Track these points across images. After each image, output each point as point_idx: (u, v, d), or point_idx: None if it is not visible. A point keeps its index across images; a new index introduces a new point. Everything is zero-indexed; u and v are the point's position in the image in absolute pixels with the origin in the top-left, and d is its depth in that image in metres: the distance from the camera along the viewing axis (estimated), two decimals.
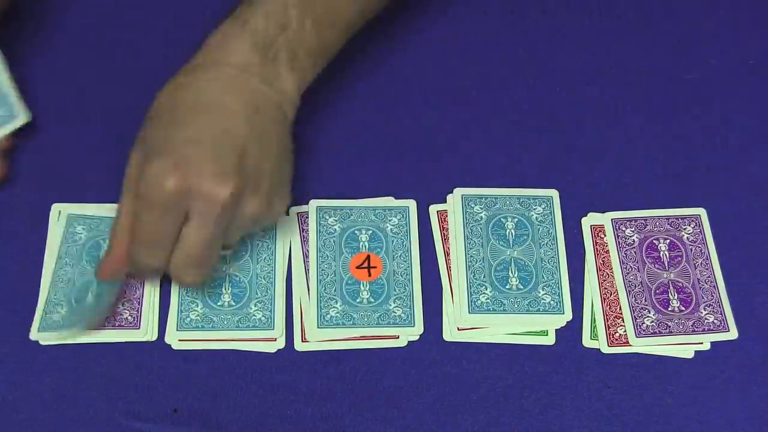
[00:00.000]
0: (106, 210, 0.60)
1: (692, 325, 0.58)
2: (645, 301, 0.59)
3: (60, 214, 0.60)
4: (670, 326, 0.58)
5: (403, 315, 0.58)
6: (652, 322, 0.58)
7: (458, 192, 0.62)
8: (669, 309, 0.58)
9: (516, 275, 0.59)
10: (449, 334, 0.58)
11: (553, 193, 0.62)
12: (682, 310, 0.58)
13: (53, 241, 0.59)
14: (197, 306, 0.58)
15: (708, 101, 0.67)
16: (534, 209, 0.62)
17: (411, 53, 0.68)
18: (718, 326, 0.58)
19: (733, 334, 0.58)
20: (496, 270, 0.60)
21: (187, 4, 0.69)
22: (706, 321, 0.58)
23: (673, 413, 0.56)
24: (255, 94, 0.53)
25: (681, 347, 0.58)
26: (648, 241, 0.61)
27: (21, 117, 0.61)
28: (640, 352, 0.58)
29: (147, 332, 0.57)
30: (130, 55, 0.67)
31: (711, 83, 0.67)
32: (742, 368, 0.58)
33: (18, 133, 0.61)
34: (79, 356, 0.56)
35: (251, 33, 0.54)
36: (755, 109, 0.67)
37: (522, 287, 0.59)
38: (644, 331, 0.58)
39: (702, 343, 0.58)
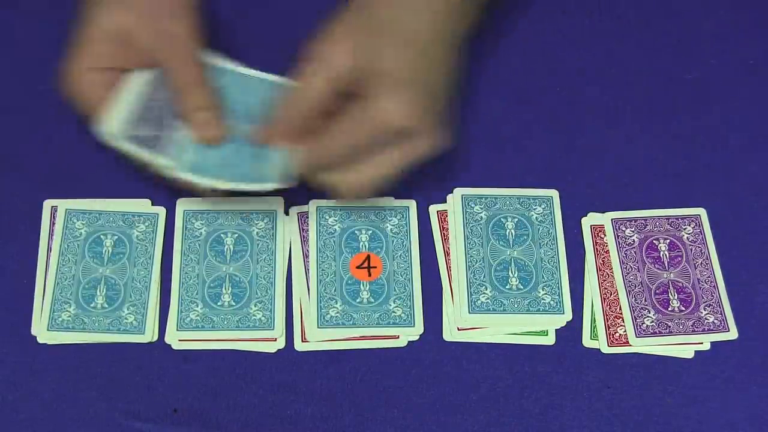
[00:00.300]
0: (104, 204, 0.60)
1: (692, 325, 0.58)
2: (645, 301, 0.59)
3: (54, 209, 0.60)
4: (670, 326, 0.58)
5: (403, 315, 0.58)
6: (652, 322, 0.58)
7: (458, 192, 0.62)
8: (669, 309, 0.58)
9: (516, 275, 0.59)
10: (449, 334, 0.58)
11: (553, 193, 0.62)
12: (682, 310, 0.59)
13: (47, 237, 0.59)
14: (197, 306, 0.58)
15: (708, 101, 0.67)
16: (534, 209, 0.62)
17: None
18: (718, 326, 0.58)
19: (733, 334, 0.58)
20: (496, 270, 0.60)
21: None
22: (706, 321, 0.58)
23: (673, 413, 0.56)
24: (456, 35, 0.56)
25: (681, 347, 0.58)
26: (648, 241, 0.61)
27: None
28: (640, 352, 0.58)
29: (147, 333, 0.57)
30: None
31: (711, 83, 0.67)
32: (742, 368, 0.58)
33: None
34: (79, 356, 0.57)
35: None
36: (755, 109, 0.66)
37: (522, 287, 0.59)
38: (644, 331, 0.58)
39: (702, 343, 0.58)
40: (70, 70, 0.54)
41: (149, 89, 0.55)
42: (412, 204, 0.62)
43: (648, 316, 0.58)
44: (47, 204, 0.60)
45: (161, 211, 0.61)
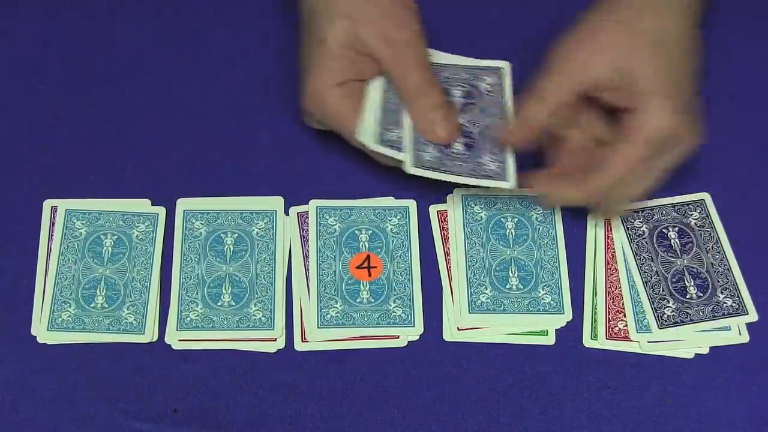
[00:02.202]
0: (104, 204, 0.60)
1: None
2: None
3: (54, 209, 0.60)
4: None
5: (403, 315, 0.58)
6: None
7: (458, 192, 0.62)
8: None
9: (516, 275, 0.59)
10: (449, 334, 0.58)
11: None
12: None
13: (47, 237, 0.59)
14: (197, 306, 0.58)
15: (708, 101, 0.66)
16: (534, 209, 0.62)
17: None
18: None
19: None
20: (496, 270, 0.60)
21: (183, 4, 0.69)
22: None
23: (673, 413, 0.56)
24: (698, 21, 0.57)
25: (681, 348, 0.58)
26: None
27: (505, 69, 0.60)
28: (639, 350, 0.58)
29: (147, 333, 0.57)
30: (125, 49, 0.67)
31: (711, 83, 0.67)
32: (743, 368, 0.58)
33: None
34: (79, 356, 0.57)
35: None
36: (755, 109, 0.67)
37: (522, 287, 0.59)
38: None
39: (701, 347, 0.58)
40: (314, 88, 0.55)
41: (386, 94, 0.56)
42: (412, 204, 0.62)
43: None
44: (47, 204, 0.60)
45: (161, 210, 0.60)
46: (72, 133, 0.63)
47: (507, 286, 0.59)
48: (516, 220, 0.61)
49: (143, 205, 0.61)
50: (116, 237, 0.59)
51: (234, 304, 0.58)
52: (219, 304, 0.58)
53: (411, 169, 0.55)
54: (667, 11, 0.55)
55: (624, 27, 0.54)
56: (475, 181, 0.55)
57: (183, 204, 0.61)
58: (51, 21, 0.68)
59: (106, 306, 0.57)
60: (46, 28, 0.67)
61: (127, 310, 0.57)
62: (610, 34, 0.54)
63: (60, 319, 0.57)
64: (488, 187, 0.57)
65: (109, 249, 0.59)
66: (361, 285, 0.59)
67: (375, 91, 0.56)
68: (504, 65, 0.60)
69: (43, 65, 0.66)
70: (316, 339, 0.57)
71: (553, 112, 0.54)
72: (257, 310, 0.58)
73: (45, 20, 0.68)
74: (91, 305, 0.57)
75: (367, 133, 0.55)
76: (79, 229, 0.60)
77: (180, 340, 0.57)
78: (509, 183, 0.55)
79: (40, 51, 0.66)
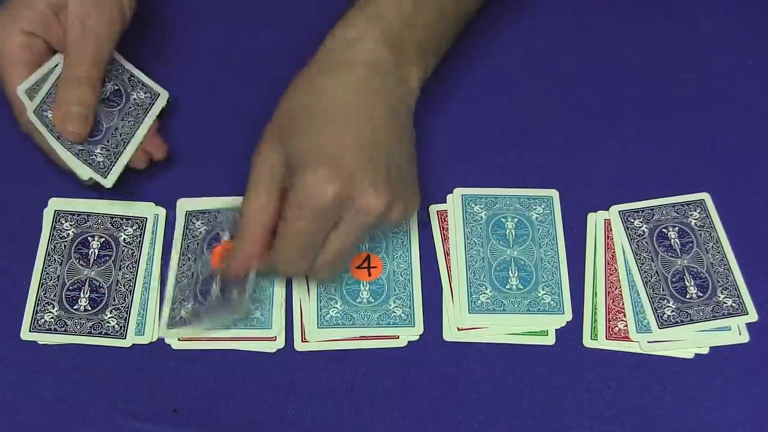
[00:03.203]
0: (92, 205, 0.60)
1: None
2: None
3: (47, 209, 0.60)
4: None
5: (403, 315, 0.58)
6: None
7: (458, 192, 0.62)
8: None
9: (516, 275, 0.59)
10: (449, 334, 0.58)
11: (553, 193, 0.62)
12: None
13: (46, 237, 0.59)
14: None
15: (708, 101, 0.67)
16: (534, 209, 0.62)
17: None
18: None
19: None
20: (496, 270, 0.60)
21: (182, 4, 0.69)
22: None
23: (673, 413, 0.56)
24: (391, 94, 0.54)
25: (681, 348, 0.58)
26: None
27: (162, 96, 0.61)
28: (640, 350, 0.58)
29: (147, 334, 0.57)
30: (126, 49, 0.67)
31: (711, 83, 0.67)
32: (743, 369, 0.58)
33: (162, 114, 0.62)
34: (79, 356, 0.56)
35: (383, 29, 0.54)
36: (755, 109, 0.67)
37: (522, 287, 0.59)
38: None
39: (702, 347, 0.58)
40: (1, 27, 0.55)
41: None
42: None
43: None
44: (50, 204, 0.60)
45: (160, 211, 0.60)
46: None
47: (507, 286, 0.59)
48: (516, 220, 0.61)
49: (147, 206, 0.61)
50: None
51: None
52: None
53: (21, 94, 0.55)
54: (338, 84, 0.53)
55: (288, 108, 0.53)
56: (75, 162, 0.56)
57: (184, 204, 0.61)
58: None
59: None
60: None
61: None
62: (277, 120, 0.53)
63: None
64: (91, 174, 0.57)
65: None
66: (361, 285, 0.59)
67: (56, 60, 0.57)
68: (163, 93, 0.61)
69: None
70: (316, 339, 0.57)
71: (269, 226, 0.52)
72: (255, 308, 0.58)
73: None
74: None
75: (23, 90, 0.56)
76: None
77: (180, 340, 0.57)
78: (106, 182, 0.57)
79: None
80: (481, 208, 0.62)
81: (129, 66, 0.61)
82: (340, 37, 0.55)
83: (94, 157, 0.56)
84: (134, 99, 0.60)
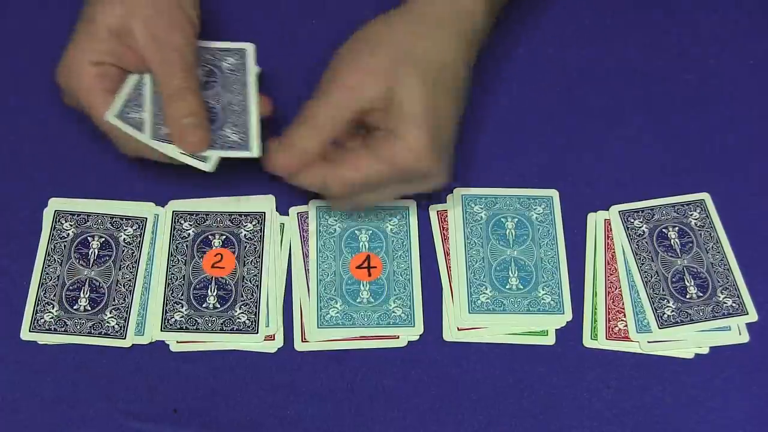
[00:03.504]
0: (92, 205, 0.60)
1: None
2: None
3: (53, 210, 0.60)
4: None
5: (403, 315, 0.58)
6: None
7: (458, 192, 0.62)
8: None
9: (516, 275, 0.59)
10: (449, 334, 0.58)
11: (553, 193, 0.62)
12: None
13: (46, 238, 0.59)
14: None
15: (708, 101, 0.67)
16: (534, 209, 0.62)
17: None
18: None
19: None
20: (496, 270, 0.60)
21: None
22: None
23: (673, 413, 0.56)
24: (472, 61, 0.56)
25: (681, 348, 0.58)
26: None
27: (249, 49, 0.60)
28: (641, 350, 0.58)
29: (147, 334, 0.57)
30: None
31: (711, 83, 0.67)
32: (743, 369, 0.58)
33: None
34: (79, 356, 0.56)
35: None
36: (755, 109, 0.67)
37: (522, 287, 0.59)
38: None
39: (702, 347, 0.58)
40: (68, 62, 0.55)
41: (141, 83, 0.56)
42: (412, 204, 0.62)
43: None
44: (50, 204, 0.60)
45: (160, 211, 0.60)
46: (73, 134, 0.63)
47: (507, 286, 0.59)
48: (516, 220, 0.61)
49: (147, 206, 0.61)
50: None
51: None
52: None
53: (151, 142, 0.54)
54: (446, 44, 0.54)
55: (392, 49, 0.53)
56: (219, 152, 0.55)
57: (173, 205, 0.61)
58: (51, 21, 0.68)
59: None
60: (46, 27, 0.67)
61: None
62: (379, 56, 0.53)
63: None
64: (239, 158, 0.56)
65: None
66: (361, 285, 0.59)
67: (131, 80, 0.56)
68: (247, 46, 0.60)
69: (43, 65, 0.66)
70: (316, 339, 0.57)
71: (324, 142, 0.53)
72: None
73: (45, 20, 0.68)
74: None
75: (111, 110, 0.55)
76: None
77: (178, 342, 0.57)
78: (253, 152, 0.55)
79: (40, 51, 0.66)
80: (481, 208, 0.62)
81: (206, 43, 0.59)
82: None
83: (227, 138, 0.55)
84: (226, 67, 0.58)
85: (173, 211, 0.60)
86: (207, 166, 0.55)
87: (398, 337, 0.58)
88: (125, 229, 0.60)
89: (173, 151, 0.54)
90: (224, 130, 0.56)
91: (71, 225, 0.60)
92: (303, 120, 0.53)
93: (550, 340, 0.58)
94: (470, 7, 0.56)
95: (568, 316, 0.58)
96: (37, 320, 0.57)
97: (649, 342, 0.58)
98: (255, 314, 0.57)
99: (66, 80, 0.56)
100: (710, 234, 0.61)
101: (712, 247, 0.61)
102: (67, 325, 0.56)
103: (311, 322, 0.57)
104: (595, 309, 0.59)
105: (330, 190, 0.54)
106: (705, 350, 0.58)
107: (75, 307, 0.57)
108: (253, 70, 0.59)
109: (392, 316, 0.58)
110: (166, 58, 0.54)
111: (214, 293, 0.58)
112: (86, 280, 0.58)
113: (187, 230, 0.60)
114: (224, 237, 0.60)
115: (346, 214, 0.61)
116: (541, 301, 0.59)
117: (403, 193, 0.56)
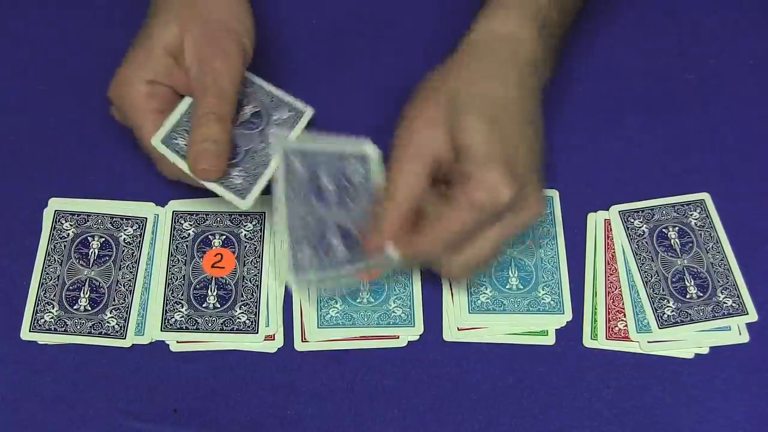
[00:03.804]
0: (94, 206, 0.60)
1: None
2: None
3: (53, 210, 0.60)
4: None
5: (403, 315, 0.58)
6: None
7: None
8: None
9: (516, 275, 0.59)
10: (449, 334, 0.58)
11: (553, 193, 0.62)
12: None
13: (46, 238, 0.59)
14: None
15: (708, 101, 0.67)
16: None
17: (411, 54, 0.68)
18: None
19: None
20: (496, 270, 0.59)
21: None
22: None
23: (673, 413, 0.56)
24: (540, 90, 0.55)
25: (681, 348, 0.58)
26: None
27: (307, 114, 0.59)
28: (641, 350, 0.58)
29: (147, 334, 0.57)
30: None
31: (711, 83, 0.67)
32: (743, 368, 0.58)
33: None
34: (79, 356, 0.56)
35: (540, 23, 0.55)
36: (755, 109, 0.67)
37: (522, 287, 0.59)
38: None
39: (702, 347, 0.58)
40: (122, 77, 0.54)
41: (191, 108, 0.55)
42: None
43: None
44: (50, 204, 0.60)
45: (160, 211, 0.60)
46: (74, 134, 0.63)
47: (507, 286, 0.59)
48: None
49: (147, 206, 0.61)
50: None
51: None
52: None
53: (155, 143, 0.53)
54: (511, 78, 0.53)
55: (452, 97, 0.52)
56: (217, 189, 0.54)
57: (172, 205, 0.61)
58: (51, 21, 0.68)
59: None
60: (46, 28, 0.67)
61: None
62: (439, 106, 0.52)
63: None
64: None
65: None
66: (361, 285, 0.59)
67: (184, 104, 0.55)
68: (307, 110, 0.59)
69: (42, 65, 0.66)
70: (316, 339, 0.57)
71: (412, 207, 0.52)
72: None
73: (45, 20, 0.68)
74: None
75: (158, 134, 0.54)
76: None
77: (178, 342, 0.57)
78: (242, 204, 0.53)
79: (40, 51, 0.66)
80: None
81: (269, 87, 0.59)
82: (496, 27, 0.55)
83: (231, 179, 0.54)
84: (276, 119, 0.58)
85: (173, 211, 0.60)
86: (244, 204, 0.54)
87: (398, 337, 0.58)
88: (125, 229, 0.60)
89: (212, 184, 0.54)
90: (233, 171, 0.55)
91: (71, 225, 0.60)
92: (387, 195, 0.52)
93: (550, 340, 0.58)
94: (529, 35, 0.55)
95: (568, 316, 0.58)
96: (37, 320, 0.57)
97: (649, 342, 0.58)
98: (255, 314, 0.57)
99: (117, 96, 0.55)
100: (710, 234, 0.61)
101: (712, 247, 0.61)
102: (67, 325, 0.56)
103: (311, 323, 0.57)
104: (595, 309, 0.59)
105: (428, 256, 0.52)
106: (705, 350, 0.58)
107: (75, 307, 0.57)
108: (301, 127, 0.58)
109: (392, 316, 0.58)
110: (203, 81, 0.54)
111: (214, 293, 0.58)
112: (86, 280, 0.58)
113: (187, 230, 0.60)
114: (224, 237, 0.60)
115: None
116: (541, 301, 0.59)
117: (505, 237, 0.53)
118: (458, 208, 0.50)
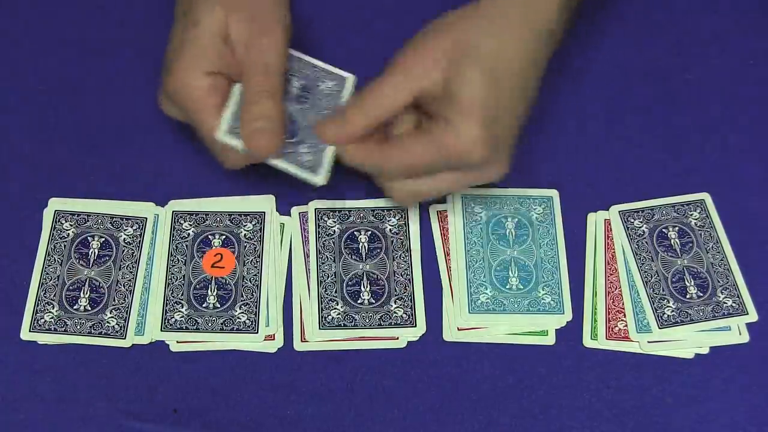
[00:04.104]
0: (94, 206, 0.60)
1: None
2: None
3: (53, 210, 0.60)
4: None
5: (404, 315, 0.58)
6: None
7: (458, 192, 0.62)
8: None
9: (516, 275, 0.59)
10: (449, 334, 0.58)
11: (553, 193, 0.62)
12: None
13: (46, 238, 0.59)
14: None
15: (708, 101, 0.67)
16: (534, 209, 0.62)
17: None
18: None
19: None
20: (496, 270, 0.60)
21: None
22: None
23: (673, 413, 0.56)
24: (545, 63, 0.55)
25: (681, 348, 0.58)
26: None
27: (349, 79, 0.59)
28: (641, 350, 0.58)
29: (147, 334, 0.57)
30: (126, 49, 0.67)
31: (711, 83, 0.67)
32: (743, 368, 0.58)
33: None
34: (79, 356, 0.56)
35: None
36: (755, 109, 0.67)
37: (522, 287, 0.59)
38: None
39: (702, 347, 0.58)
40: (182, 73, 0.53)
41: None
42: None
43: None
44: (50, 204, 0.60)
45: (160, 211, 0.60)
46: (74, 134, 0.63)
47: (507, 286, 0.59)
48: (516, 220, 0.61)
49: (147, 206, 0.61)
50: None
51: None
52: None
53: (223, 137, 0.53)
54: (515, 44, 0.53)
55: (458, 39, 0.52)
56: (288, 167, 0.54)
57: (172, 205, 0.61)
58: (51, 21, 0.68)
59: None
60: (46, 28, 0.67)
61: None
62: (444, 42, 0.52)
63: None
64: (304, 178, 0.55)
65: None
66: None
67: (236, 91, 0.55)
68: (349, 76, 0.59)
69: (42, 65, 0.66)
70: (316, 339, 0.57)
71: (377, 120, 0.52)
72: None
73: (45, 20, 0.68)
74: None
75: (222, 128, 0.53)
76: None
77: (178, 342, 0.57)
78: (318, 179, 0.54)
79: (40, 51, 0.66)
80: (481, 208, 0.61)
81: (310, 59, 0.58)
82: None
83: (300, 157, 0.54)
84: (322, 89, 0.58)
85: (173, 211, 0.60)
86: (319, 179, 0.54)
87: (398, 338, 0.58)
88: (125, 229, 0.60)
89: (283, 163, 0.54)
90: (300, 147, 0.55)
91: (71, 225, 0.60)
92: (359, 97, 0.53)
93: (550, 340, 0.58)
94: (543, 6, 0.55)
95: (568, 316, 0.58)
96: (37, 320, 0.57)
97: (649, 342, 0.58)
98: (255, 314, 0.57)
99: (176, 93, 0.54)
100: (710, 234, 0.61)
101: (712, 247, 0.61)
102: (67, 325, 0.56)
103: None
104: (595, 309, 0.59)
105: (382, 172, 0.53)
106: (705, 350, 0.58)
107: (75, 307, 0.57)
108: (346, 99, 0.58)
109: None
110: (251, 60, 0.53)
111: (214, 293, 0.58)
112: (86, 280, 0.58)
113: (187, 230, 0.60)
114: (224, 237, 0.60)
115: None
116: (541, 301, 0.59)
117: (461, 185, 0.54)
118: (427, 144, 0.51)
